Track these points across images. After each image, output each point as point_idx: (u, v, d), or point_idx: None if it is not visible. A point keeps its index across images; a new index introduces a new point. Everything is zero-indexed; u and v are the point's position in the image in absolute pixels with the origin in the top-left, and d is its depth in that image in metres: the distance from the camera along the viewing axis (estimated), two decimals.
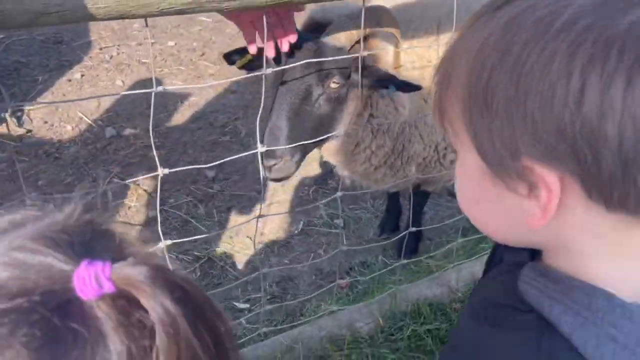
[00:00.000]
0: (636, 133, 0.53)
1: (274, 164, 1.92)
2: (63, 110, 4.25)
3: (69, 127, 4.10)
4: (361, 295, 2.84)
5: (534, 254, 0.76)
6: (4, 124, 3.91)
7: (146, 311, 0.46)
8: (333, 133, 2.08)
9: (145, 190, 3.54)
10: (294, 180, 3.69)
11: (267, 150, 1.85)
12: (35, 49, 4.99)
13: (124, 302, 0.46)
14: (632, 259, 0.65)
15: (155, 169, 1.55)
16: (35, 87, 4.50)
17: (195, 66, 4.98)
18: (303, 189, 3.68)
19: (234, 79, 1.85)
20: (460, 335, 0.86)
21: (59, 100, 4.39)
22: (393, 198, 3.26)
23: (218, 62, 5.00)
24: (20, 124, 4.05)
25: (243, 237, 3.28)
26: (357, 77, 1.95)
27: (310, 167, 3.74)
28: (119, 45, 5.15)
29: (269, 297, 2.89)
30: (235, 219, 3.43)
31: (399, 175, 2.38)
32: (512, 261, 0.79)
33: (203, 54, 5.15)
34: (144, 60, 4.96)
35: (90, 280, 0.45)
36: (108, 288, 0.45)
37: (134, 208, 3.44)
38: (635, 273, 0.66)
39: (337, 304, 2.64)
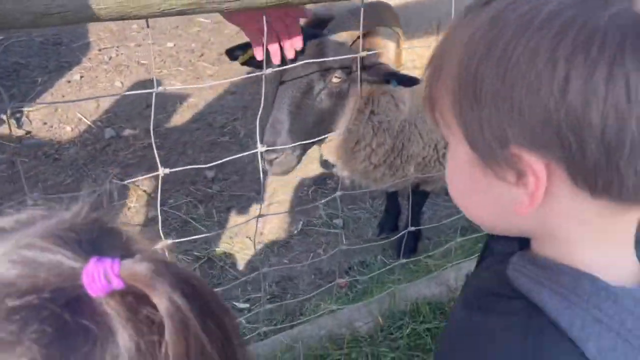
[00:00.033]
0: (618, 121, 0.55)
1: (275, 158, 1.91)
2: (62, 112, 4.25)
3: (68, 128, 4.10)
4: (360, 294, 2.84)
5: (523, 245, 0.78)
6: (4, 125, 3.91)
7: (154, 307, 0.46)
8: (334, 129, 2.08)
9: (144, 191, 3.55)
10: (294, 181, 3.69)
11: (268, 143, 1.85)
12: (35, 51, 4.98)
13: (132, 299, 0.46)
14: (617, 245, 0.67)
15: (155, 170, 1.55)
16: (34, 88, 4.50)
17: (194, 67, 4.98)
18: (302, 189, 3.68)
19: (233, 79, 1.85)
20: (454, 326, 0.87)
21: (58, 101, 4.39)
22: (392, 198, 3.26)
23: (217, 63, 5.00)
24: (19, 125, 4.05)
25: (243, 237, 3.28)
26: (358, 73, 1.95)
27: (310, 167, 3.75)
28: (117, 47, 5.15)
29: (268, 296, 2.90)
30: (234, 219, 3.43)
31: (398, 174, 2.38)
32: (504, 252, 0.80)
33: (202, 55, 5.15)
34: (142, 62, 4.96)
35: (99, 277, 0.45)
36: (117, 284, 0.45)
37: (133, 209, 3.44)
38: (619, 259, 0.68)
39: (337, 303, 2.64)
